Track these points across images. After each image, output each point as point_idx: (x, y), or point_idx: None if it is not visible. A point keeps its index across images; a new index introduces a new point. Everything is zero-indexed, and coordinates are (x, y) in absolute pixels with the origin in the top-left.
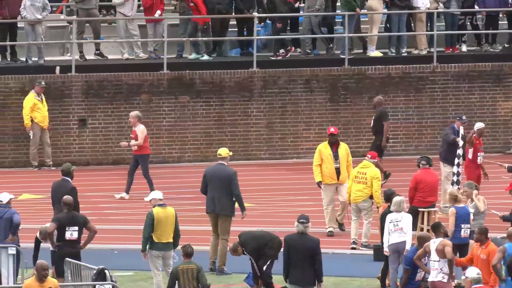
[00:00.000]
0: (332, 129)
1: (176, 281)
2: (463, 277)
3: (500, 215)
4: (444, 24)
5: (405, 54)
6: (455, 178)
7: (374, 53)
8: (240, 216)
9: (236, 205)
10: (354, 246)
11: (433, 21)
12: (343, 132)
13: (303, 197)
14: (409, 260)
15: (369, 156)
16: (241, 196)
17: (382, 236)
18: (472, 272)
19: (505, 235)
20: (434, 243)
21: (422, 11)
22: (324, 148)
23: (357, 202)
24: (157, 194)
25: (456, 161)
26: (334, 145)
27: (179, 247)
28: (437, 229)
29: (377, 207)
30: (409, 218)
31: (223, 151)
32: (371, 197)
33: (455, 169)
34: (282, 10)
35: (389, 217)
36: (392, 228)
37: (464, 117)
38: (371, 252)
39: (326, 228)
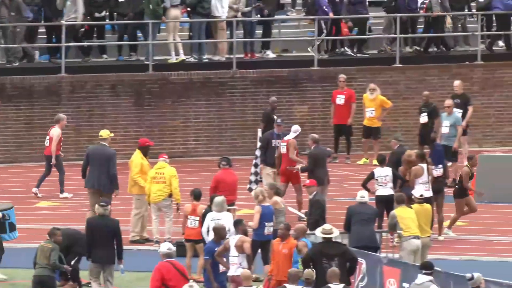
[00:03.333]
0: (150, 142)
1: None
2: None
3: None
4: (243, 32)
5: (207, 60)
6: (253, 178)
7: (176, 59)
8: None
9: None
10: (156, 244)
11: (233, 29)
12: (148, 134)
13: None
14: (207, 250)
15: (166, 156)
16: (117, 175)
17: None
18: (163, 247)
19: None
20: (233, 239)
21: (223, 19)
22: (142, 159)
23: (157, 201)
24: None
25: (254, 161)
26: (147, 157)
27: None
28: (237, 225)
29: (177, 204)
30: (230, 216)
31: (104, 133)
32: (170, 195)
33: (252, 169)
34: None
35: (210, 216)
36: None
37: (279, 120)
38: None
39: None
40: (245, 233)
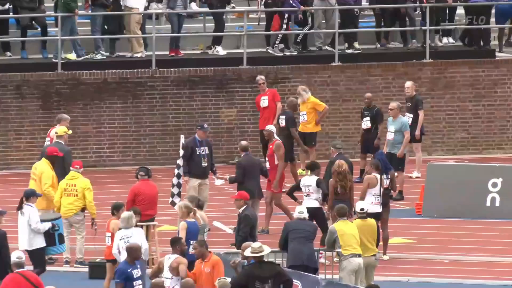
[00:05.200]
0: (59, 152)
1: None
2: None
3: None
4: (170, 26)
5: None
6: (175, 190)
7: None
8: None
9: None
10: (67, 265)
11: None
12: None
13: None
14: (119, 272)
15: (78, 166)
16: None
17: None
18: (13, 255)
19: (230, 250)
20: (169, 259)
21: (141, 12)
22: (52, 170)
23: (68, 216)
24: None
25: (176, 172)
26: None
27: None
28: (175, 244)
29: (92, 219)
30: (141, 232)
31: (60, 130)
32: (83, 209)
33: (175, 180)
34: None
35: (119, 234)
36: (123, 245)
37: (206, 125)
38: (86, 269)
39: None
40: (183, 254)
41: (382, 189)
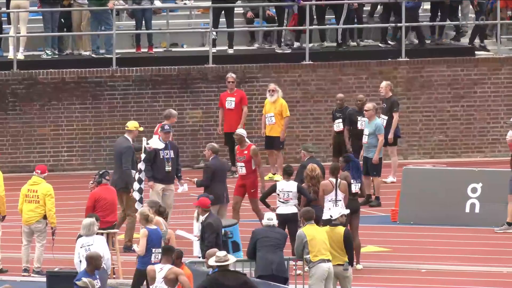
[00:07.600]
0: None
1: None
2: None
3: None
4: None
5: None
6: (137, 196)
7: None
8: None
9: None
10: (25, 274)
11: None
12: (12, 144)
13: None
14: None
15: (39, 171)
16: (130, 172)
17: None
18: None
19: (194, 259)
20: (161, 270)
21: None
22: None
23: (29, 223)
24: None
25: (137, 176)
26: None
27: None
28: (168, 253)
29: (52, 228)
30: (102, 240)
31: (130, 124)
32: (45, 217)
33: (136, 185)
34: None
35: (80, 242)
36: (84, 253)
37: (166, 127)
38: (44, 279)
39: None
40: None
41: (343, 195)
